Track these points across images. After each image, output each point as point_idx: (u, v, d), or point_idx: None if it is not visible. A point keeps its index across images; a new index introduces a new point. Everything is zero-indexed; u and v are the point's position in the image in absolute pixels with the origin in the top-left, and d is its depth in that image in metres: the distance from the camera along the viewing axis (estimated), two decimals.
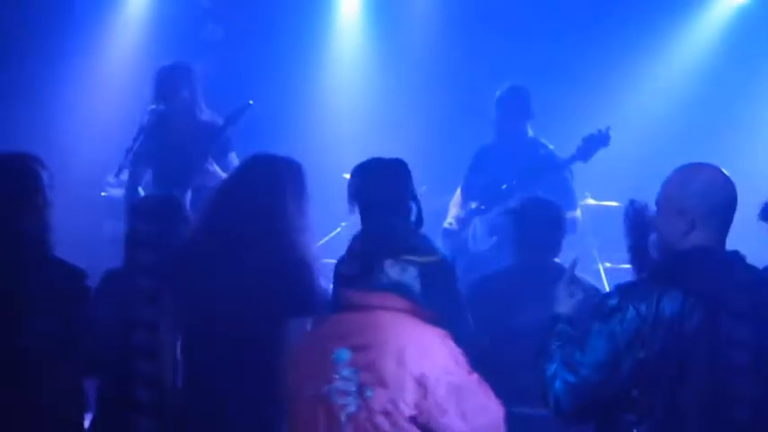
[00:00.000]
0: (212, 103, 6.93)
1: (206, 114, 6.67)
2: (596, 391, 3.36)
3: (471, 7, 8.74)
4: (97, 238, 6.63)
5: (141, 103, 6.71)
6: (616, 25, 8.48)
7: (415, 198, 4.60)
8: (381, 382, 3.61)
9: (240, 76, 8.42)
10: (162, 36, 8.38)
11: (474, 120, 7.89)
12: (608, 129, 6.55)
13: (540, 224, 5.11)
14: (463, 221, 6.87)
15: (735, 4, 8.65)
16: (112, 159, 6.64)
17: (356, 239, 4.43)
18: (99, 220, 7.12)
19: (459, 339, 3.84)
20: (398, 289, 3.80)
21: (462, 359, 3.72)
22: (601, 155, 6.63)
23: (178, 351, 4.47)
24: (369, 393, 3.62)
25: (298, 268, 4.39)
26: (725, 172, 3.52)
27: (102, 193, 7.35)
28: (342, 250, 4.36)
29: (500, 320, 4.85)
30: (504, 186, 6.57)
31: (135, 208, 4.74)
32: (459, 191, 7.07)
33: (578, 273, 5.31)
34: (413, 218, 4.56)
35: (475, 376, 3.70)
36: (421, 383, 3.61)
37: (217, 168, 6.48)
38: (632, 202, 3.81)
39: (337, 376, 3.66)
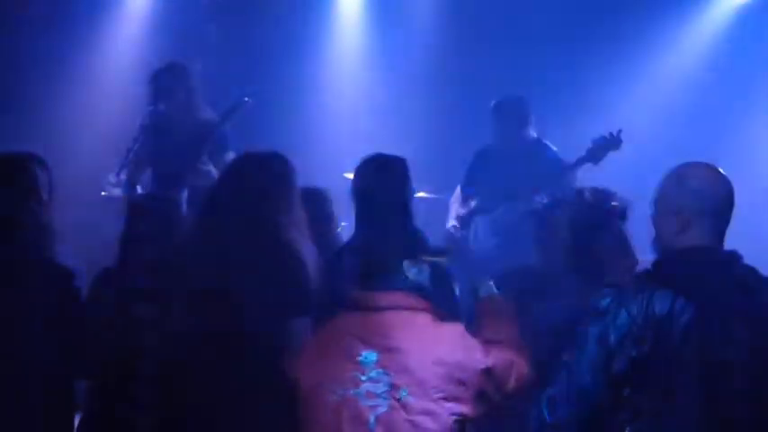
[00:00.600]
0: (212, 103, 6.93)
1: (205, 113, 6.67)
2: (593, 394, 3.37)
3: (472, 6, 8.74)
4: (97, 238, 6.62)
5: (141, 102, 6.71)
6: (616, 25, 8.48)
7: (410, 194, 4.62)
8: (416, 382, 3.62)
9: (240, 75, 8.42)
10: (162, 36, 8.38)
11: (474, 119, 7.89)
12: (619, 132, 6.50)
13: (559, 228, 5.22)
14: (465, 221, 6.87)
15: (735, 4, 8.65)
16: (112, 159, 6.65)
17: (359, 238, 4.44)
18: (99, 220, 7.11)
19: None
20: (416, 289, 3.82)
21: (480, 345, 3.74)
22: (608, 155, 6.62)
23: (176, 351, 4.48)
24: (403, 393, 3.62)
25: (292, 267, 4.39)
26: (721, 171, 3.52)
27: (102, 193, 7.35)
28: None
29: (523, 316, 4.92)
30: (508, 189, 6.57)
31: (132, 207, 4.74)
32: (459, 188, 7.07)
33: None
34: (406, 213, 4.57)
35: (495, 347, 3.75)
36: (455, 377, 3.64)
37: (211, 167, 6.49)
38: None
39: (365, 378, 3.65)
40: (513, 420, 3.81)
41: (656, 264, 3.48)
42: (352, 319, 3.82)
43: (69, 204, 4.57)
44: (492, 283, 4.06)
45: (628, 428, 3.34)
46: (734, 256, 3.46)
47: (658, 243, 3.54)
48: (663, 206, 3.51)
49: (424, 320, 3.75)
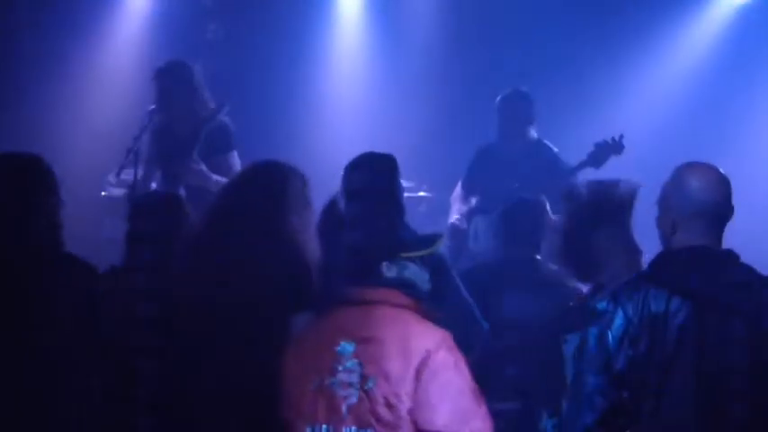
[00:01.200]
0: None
1: (207, 112, 6.66)
2: (597, 397, 3.38)
3: (472, 5, 8.74)
4: (97, 238, 6.63)
5: (142, 102, 6.71)
6: (616, 25, 8.48)
7: (397, 190, 4.63)
8: (384, 375, 3.64)
9: (241, 75, 8.42)
10: (163, 35, 8.38)
11: (475, 118, 7.90)
12: (621, 137, 6.53)
13: (524, 222, 5.38)
14: (467, 217, 6.88)
15: (735, 4, 8.65)
16: (112, 159, 6.64)
17: (346, 235, 4.46)
18: (99, 219, 7.12)
19: (464, 327, 3.90)
20: (402, 285, 3.83)
21: (462, 363, 3.73)
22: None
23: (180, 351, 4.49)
24: (370, 384, 3.65)
25: (294, 264, 4.41)
26: (720, 173, 3.53)
27: (103, 193, 7.35)
28: None
29: (484, 312, 4.95)
30: (509, 189, 6.56)
31: (136, 207, 4.74)
32: (459, 185, 7.07)
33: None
34: (397, 212, 4.58)
35: (472, 384, 3.71)
36: (418, 377, 3.64)
37: (203, 166, 6.46)
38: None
39: (341, 368, 3.69)
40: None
41: (652, 264, 3.50)
42: (339, 313, 3.86)
43: (69, 204, 4.57)
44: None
45: None
46: (731, 256, 3.47)
47: (662, 242, 3.56)
48: (662, 207, 3.53)
49: (404, 317, 3.76)
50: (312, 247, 4.53)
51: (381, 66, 8.86)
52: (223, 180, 6.49)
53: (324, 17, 8.88)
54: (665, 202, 3.52)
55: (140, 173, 6.50)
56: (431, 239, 3.99)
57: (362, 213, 4.59)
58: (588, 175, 6.82)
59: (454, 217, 6.94)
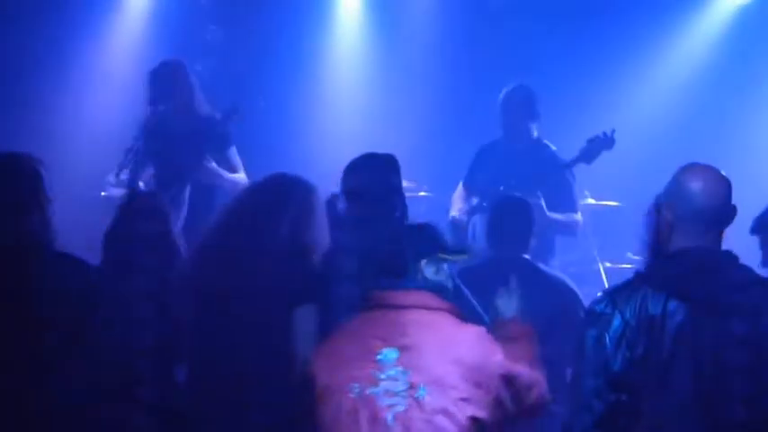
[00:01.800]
0: (212, 103, 6.92)
1: (204, 110, 6.67)
2: (596, 400, 3.39)
3: (472, 5, 8.74)
4: (97, 239, 6.62)
5: (141, 103, 6.71)
6: (616, 25, 8.47)
7: (398, 191, 4.62)
8: (435, 382, 3.63)
9: (240, 76, 8.42)
10: (162, 36, 8.38)
11: (475, 118, 7.90)
12: (613, 132, 6.53)
13: (510, 221, 5.41)
14: (467, 215, 6.88)
15: (735, 3, 8.65)
16: (112, 159, 6.64)
17: (348, 236, 4.47)
18: (99, 220, 7.11)
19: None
20: (435, 288, 3.83)
21: (498, 348, 3.75)
22: (602, 154, 6.62)
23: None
24: (421, 393, 3.62)
25: (297, 259, 4.43)
26: (720, 174, 3.53)
27: (102, 193, 7.34)
28: None
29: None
30: (505, 187, 6.57)
31: (133, 207, 4.74)
32: (461, 185, 7.07)
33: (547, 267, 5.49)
34: (397, 212, 4.58)
35: (519, 361, 3.77)
36: (476, 382, 3.65)
37: (214, 165, 6.49)
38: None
39: (384, 376, 3.66)
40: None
41: (649, 265, 3.50)
42: (372, 318, 3.82)
43: (69, 204, 4.57)
44: (513, 299, 4.07)
45: None
46: (730, 257, 3.47)
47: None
48: (663, 207, 3.52)
49: (443, 320, 3.76)
50: (317, 245, 4.54)
51: (381, 65, 8.86)
52: (237, 177, 6.53)
53: (323, 17, 8.88)
54: (664, 204, 3.53)
55: (135, 171, 6.52)
56: (465, 248, 4.02)
57: (357, 215, 4.59)
58: (587, 175, 6.84)
59: (454, 212, 6.93)
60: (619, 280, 3.71)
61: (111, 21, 8.46)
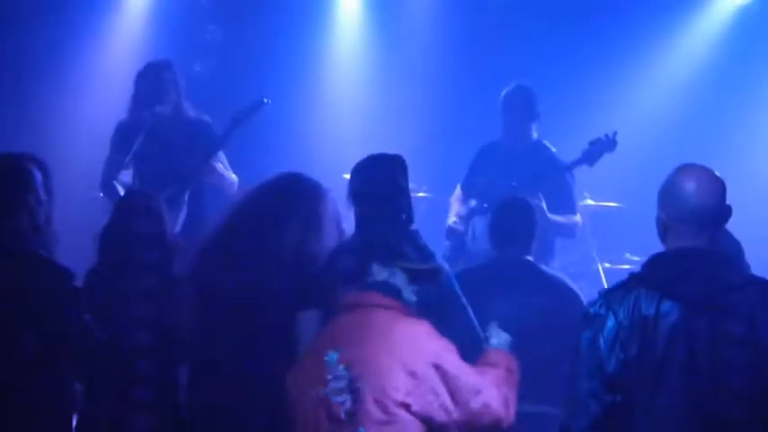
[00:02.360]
0: (212, 103, 6.93)
1: (192, 111, 6.67)
2: (591, 401, 3.39)
3: (472, 5, 8.74)
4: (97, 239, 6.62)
5: (131, 103, 6.71)
6: (616, 25, 8.47)
7: (406, 193, 4.62)
8: (370, 373, 3.69)
9: (240, 76, 8.42)
10: (162, 37, 8.37)
11: (475, 118, 7.90)
12: (614, 134, 6.52)
13: (512, 223, 5.38)
14: (465, 219, 6.87)
15: (735, 3, 8.65)
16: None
17: (351, 238, 4.47)
18: (99, 220, 7.11)
19: (462, 343, 3.91)
20: (386, 288, 3.86)
21: (451, 347, 3.80)
22: (603, 156, 6.62)
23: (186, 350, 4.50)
24: (359, 385, 3.69)
25: (305, 265, 4.42)
26: (714, 175, 3.53)
27: (101, 194, 7.34)
28: None
29: (476, 315, 4.96)
30: (506, 189, 6.56)
31: (131, 207, 4.73)
32: (459, 187, 7.07)
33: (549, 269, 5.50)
34: (403, 214, 4.57)
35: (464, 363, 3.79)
36: (410, 371, 3.68)
37: (220, 165, 6.50)
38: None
39: (330, 377, 3.73)
40: None
41: (643, 266, 3.51)
42: (335, 321, 3.92)
43: (69, 204, 4.56)
44: (507, 337, 4.08)
45: None
46: (723, 257, 3.48)
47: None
48: (658, 209, 3.54)
49: (389, 316, 3.81)
50: (323, 250, 4.53)
51: (381, 66, 8.86)
52: (230, 178, 6.53)
53: (323, 18, 8.87)
54: (658, 204, 3.54)
55: (134, 172, 6.52)
56: (432, 270, 4.02)
57: (363, 215, 4.59)
58: (586, 175, 6.84)
59: (452, 219, 6.93)
60: (618, 280, 3.72)
61: (110, 21, 8.46)
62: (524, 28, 8.57)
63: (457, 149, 7.67)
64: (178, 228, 6.31)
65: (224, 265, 4.45)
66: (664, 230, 3.50)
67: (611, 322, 3.39)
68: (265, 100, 6.44)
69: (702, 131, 8.17)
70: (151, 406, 4.40)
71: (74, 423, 4.42)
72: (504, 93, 6.93)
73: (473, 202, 6.85)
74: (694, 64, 8.60)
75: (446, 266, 4.67)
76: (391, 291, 3.87)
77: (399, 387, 3.66)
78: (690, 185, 3.47)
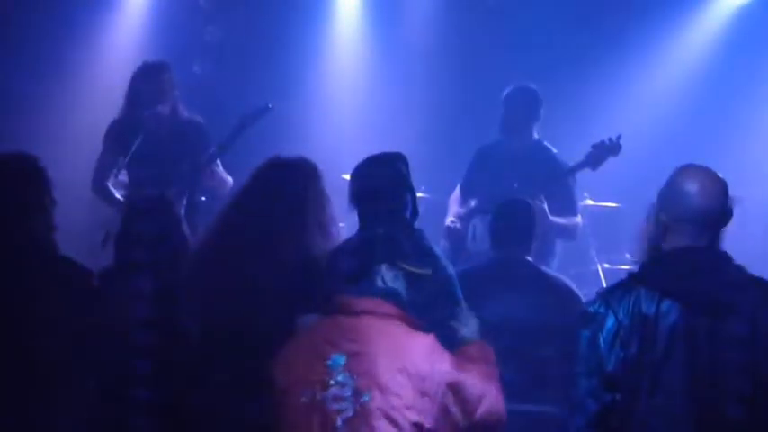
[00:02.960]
0: (211, 104, 6.92)
1: (185, 112, 6.67)
2: (590, 400, 3.39)
3: (472, 5, 8.73)
4: (97, 239, 6.62)
5: (128, 104, 6.71)
6: (615, 25, 8.48)
7: (411, 190, 4.61)
8: (380, 388, 3.65)
9: (239, 77, 8.41)
10: (161, 37, 8.37)
11: (474, 119, 7.89)
12: (618, 137, 6.50)
13: (512, 223, 5.40)
14: (464, 220, 6.86)
15: (735, 4, 8.65)
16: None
17: (354, 237, 4.45)
18: (99, 220, 7.11)
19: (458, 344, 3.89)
20: (389, 295, 3.84)
21: (453, 358, 3.78)
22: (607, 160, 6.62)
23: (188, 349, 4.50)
24: (365, 398, 3.64)
25: (307, 266, 4.40)
26: (715, 176, 3.53)
27: (94, 195, 7.33)
28: None
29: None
30: (508, 190, 6.55)
31: (131, 208, 4.73)
32: (458, 188, 7.06)
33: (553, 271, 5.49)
34: (408, 211, 4.56)
35: (469, 372, 3.77)
36: (422, 390, 3.66)
37: (222, 169, 6.50)
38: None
39: (333, 382, 3.69)
40: None
41: (643, 265, 3.51)
42: (327, 323, 3.87)
43: (69, 204, 4.57)
44: (475, 323, 4.06)
45: None
46: (723, 257, 3.48)
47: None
48: (657, 208, 3.56)
49: (394, 327, 3.78)
50: (323, 245, 4.52)
51: (380, 66, 8.86)
52: (229, 181, 6.52)
53: (322, 19, 8.87)
54: (659, 204, 3.53)
55: (133, 173, 6.52)
56: (431, 257, 4.00)
57: (366, 214, 4.58)
58: (585, 176, 6.83)
59: (450, 219, 6.92)
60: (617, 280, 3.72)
61: (109, 21, 8.45)
62: (524, 28, 8.56)
63: (456, 150, 7.67)
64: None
65: (223, 265, 4.45)
66: (663, 231, 3.50)
67: (610, 321, 3.40)
68: (270, 105, 6.44)
69: (702, 132, 8.17)
70: (150, 406, 4.40)
71: (74, 424, 4.43)
72: (506, 91, 6.92)
73: (473, 203, 6.85)
74: (694, 64, 8.60)
75: (450, 268, 4.66)
76: (393, 295, 3.84)
77: (412, 406, 3.64)
78: (693, 187, 3.47)
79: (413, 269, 3.90)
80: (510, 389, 3.93)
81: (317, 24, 8.84)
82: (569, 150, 6.78)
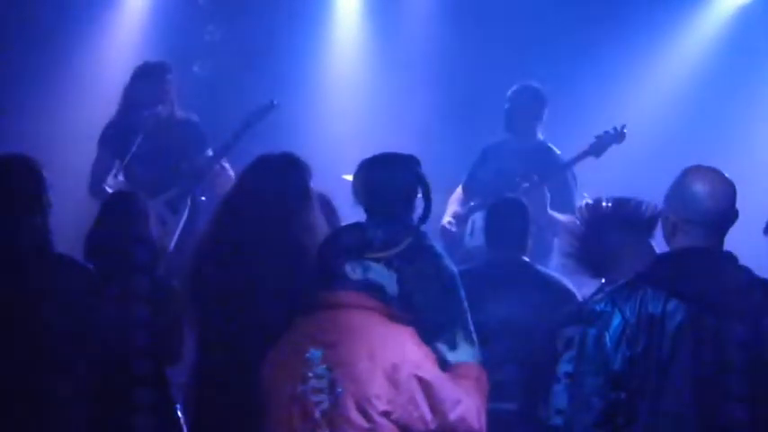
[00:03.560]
0: (211, 104, 6.92)
1: (182, 111, 6.67)
2: (595, 399, 3.39)
3: (472, 5, 8.73)
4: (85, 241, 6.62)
5: (129, 104, 6.72)
6: (616, 25, 8.48)
7: (424, 183, 4.57)
8: (353, 379, 3.69)
9: (239, 77, 8.41)
10: (160, 37, 8.37)
11: (475, 119, 7.89)
12: (623, 126, 6.54)
13: (506, 222, 5.39)
14: (462, 220, 6.86)
15: (735, 3, 8.65)
16: None
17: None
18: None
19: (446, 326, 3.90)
20: (368, 287, 3.85)
21: (432, 355, 3.79)
22: (606, 153, 6.62)
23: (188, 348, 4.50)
24: (339, 390, 3.70)
25: (303, 264, 4.40)
26: (724, 177, 3.53)
27: (92, 197, 7.33)
28: None
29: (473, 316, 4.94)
30: (511, 186, 6.55)
31: (130, 208, 4.73)
32: (460, 188, 7.06)
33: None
34: (412, 211, 4.55)
35: (446, 376, 3.80)
36: (392, 379, 3.69)
37: (229, 167, 6.50)
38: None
39: (311, 375, 3.74)
40: None
41: (650, 265, 3.51)
42: (309, 317, 3.91)
43: (68, 206, 4.57)
44: (464, 343, 4.05)
45: None
46: (730, 258, 3.48)
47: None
48: (664, 209, 3.56)
49: (372, 320, 3.80)
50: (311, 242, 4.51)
51: (381, 66, 8.86)
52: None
53: (322, 19, 8.87)
54: (667, 204, 3.53)
55: (131, 173, 6.52)
56: (396, 240, 3.97)
57: (382, 211, 4.54)
58: (585, 176, 6.83)
59: (446, 219, 6.92)
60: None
61: (108, 21, 8.45)
62: (524, 28, 8.56)
63: (456, 150, 7.67)
64: (179, 230, 6.32)
65: (219, 261, 4.45)
66: (672, 230, 3.49)
67: (617, 320, 3.39)
68: (275, 102, 6.45)
69: (703, 132, 8.17)
70: (149, 406, 4.40)
71: (73, 424, 4.42)
72: (511, 90, 6.93)
73: (473, 202, 6.85)
74: (695, 64, 8.60)
75: (453, 267, 4.64)
76: (374, 288, 3.86)
77: (381, 395, 3.67)
78: (704, 188, 3.47)
79: (381, 254, 3.88)
80: (510, 389, 3.93)
81: (317, 24, 8.84)
82: (570, 150, 6.78)
